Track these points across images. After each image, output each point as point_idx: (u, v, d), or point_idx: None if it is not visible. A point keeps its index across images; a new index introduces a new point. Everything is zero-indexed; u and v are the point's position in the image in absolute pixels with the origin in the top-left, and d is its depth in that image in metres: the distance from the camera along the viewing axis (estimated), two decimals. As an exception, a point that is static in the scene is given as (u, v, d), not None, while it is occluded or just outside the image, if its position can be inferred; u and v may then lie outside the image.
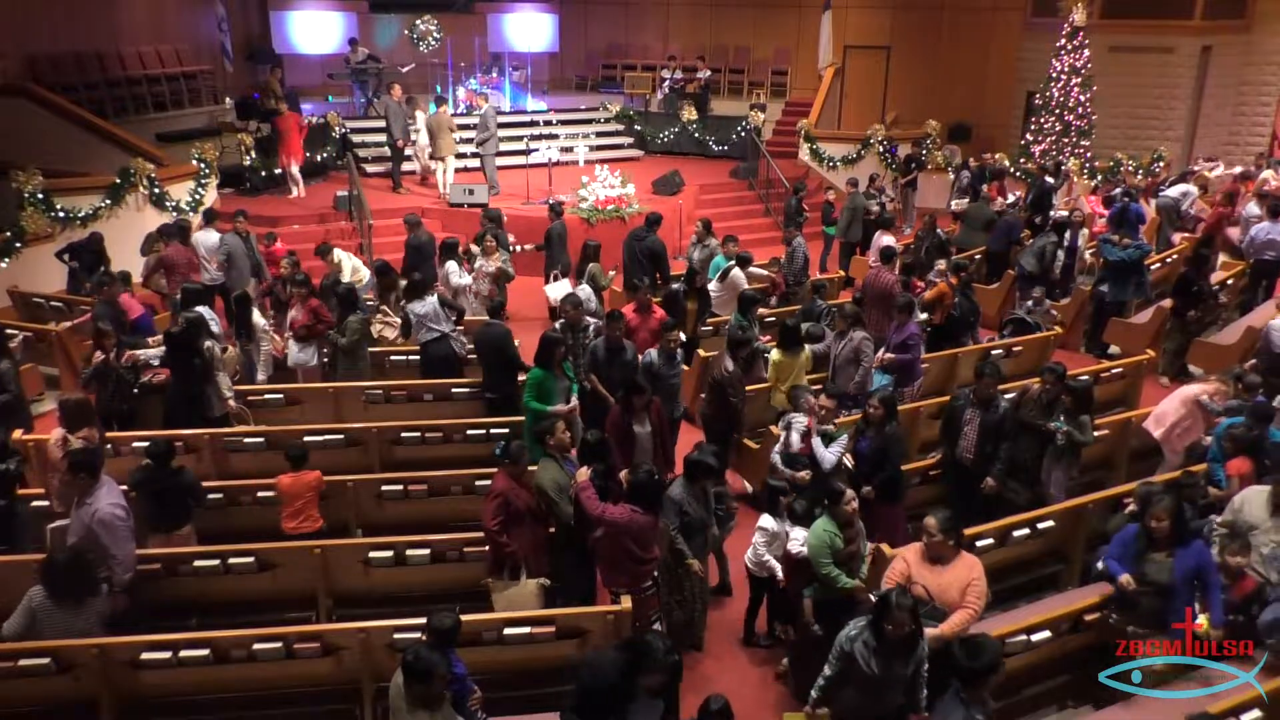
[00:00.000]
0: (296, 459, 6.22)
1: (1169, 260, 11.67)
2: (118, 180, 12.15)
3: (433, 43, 18.04)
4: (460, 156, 14.78)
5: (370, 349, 8.49)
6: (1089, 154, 15.97)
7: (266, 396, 7.88)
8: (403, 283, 9.11)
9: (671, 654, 4.14)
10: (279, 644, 5.02)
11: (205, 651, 4.96)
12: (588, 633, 5.25)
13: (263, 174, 14.32)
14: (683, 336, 8.47)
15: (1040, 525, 6.20)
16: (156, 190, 12.51)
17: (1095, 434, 6.88)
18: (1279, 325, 8.29)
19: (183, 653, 4.95)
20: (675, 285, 9.63)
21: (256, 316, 8.34)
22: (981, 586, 4.88)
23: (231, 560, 5.75)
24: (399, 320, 8.99)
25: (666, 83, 19.16)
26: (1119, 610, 5.29)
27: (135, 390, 7.62)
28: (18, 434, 6.83)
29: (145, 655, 4.94)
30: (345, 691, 5.23)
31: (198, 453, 7.02)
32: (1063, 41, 15.78)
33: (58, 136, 13.45)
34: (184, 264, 10.16)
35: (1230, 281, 10.86)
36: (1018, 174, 15.52)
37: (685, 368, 8.70)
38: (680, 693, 4.69)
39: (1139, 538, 5.21)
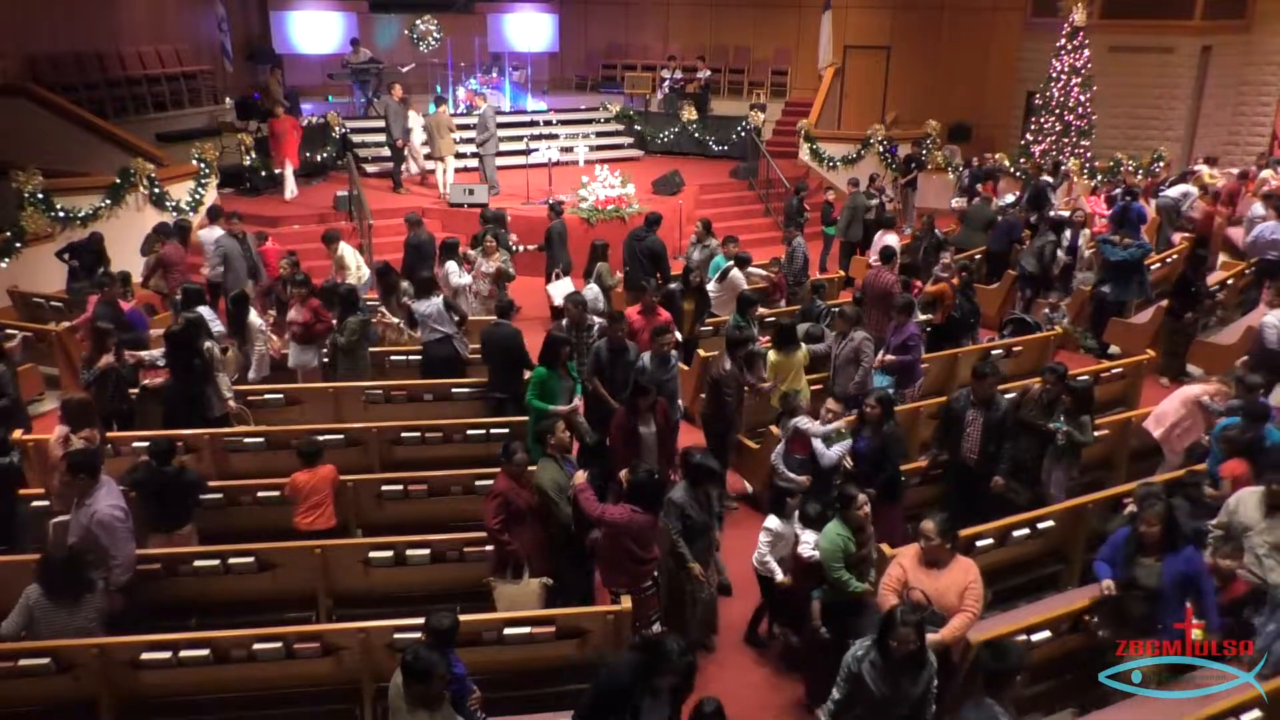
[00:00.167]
0: (310, 456, 6.22)
1: (1169, 260, 11.67)
2: (118, 180, 12.15)
3: (433, 43, 18.04)
4: (460, 156, 14.79)
5: (371, 349, 8.49)
6: (1089, 154, 15.97)
7: (266, 396, 7.87)
8: (405, 283, 9.11)
9: (686, 655, 4.14)
10: (279, 644, 5.02)
11: (205, 651, 4.96)
12: (588, 633, 5.25)
13: (263, 174, 14.32)
14: (678, 337, 8.46)
15: (1040, 525, 6.19)
16: (156, 190, 12.51)
17: (1095, 434, 6.88)
18: (1271, 321, 8.30)
19: (183, 653, 4.95)
20: (672, 285, 9.62)
21: (253, 316, 8.33)
22: (979, 589, 4.87)
23: (231, 560, 5.74)
24: (395, 320, 8.98)
25: (666, 83, 19.16)
26: (1108, 616, 5.24)
27: (133, 391, 7.62)
28: (17, 434, 6.83)
29: (145, 655, 4.94)
30: (345, 691, 5.23)
31: (198, 453, 7.01)
32: (1063, 41, 15.77)
33: (58, 136, 13.45)
34: (182, 263, 10.16)
35: (1230, 281, 10.86)
36: (1017, 174, 15.52)
37: (685, 367, 8.71)
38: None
39: (1129, 541, 5.19)
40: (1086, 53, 15.69)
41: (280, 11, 18.34)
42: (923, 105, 18.42)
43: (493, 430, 7.30)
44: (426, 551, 5.89)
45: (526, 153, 15.02)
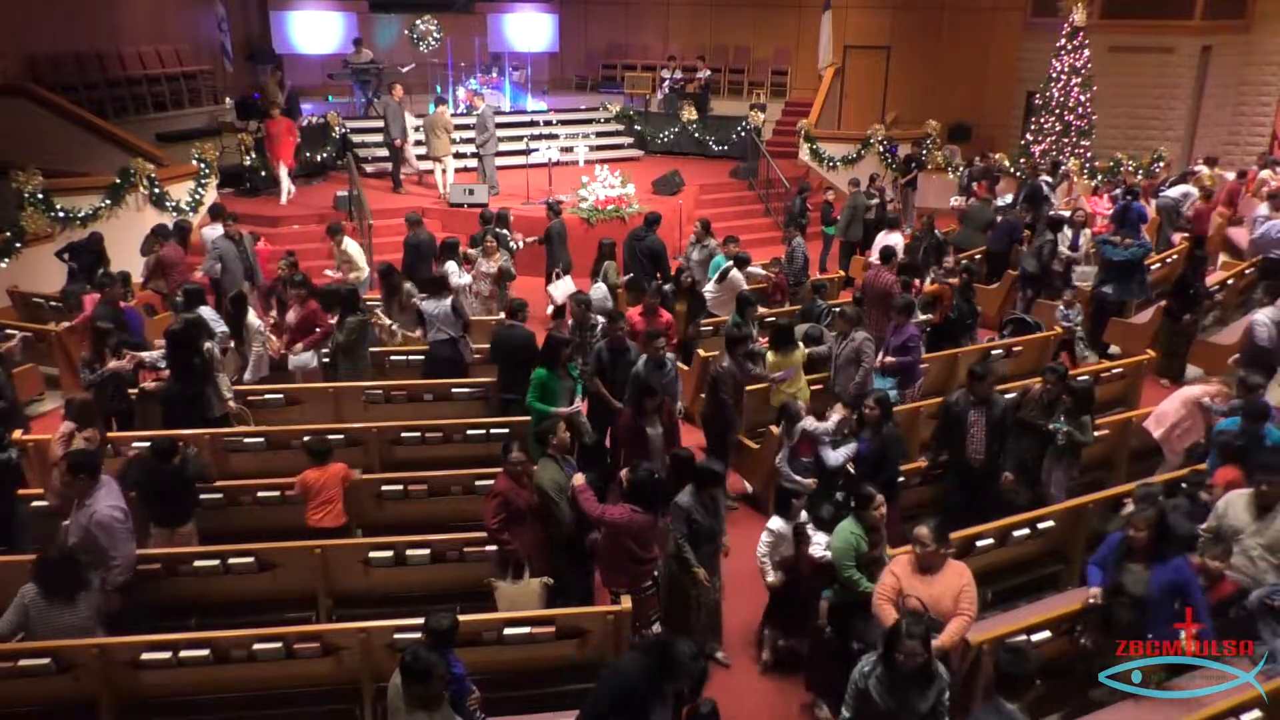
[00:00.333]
0: (319, 454, 6.22)
1: (1169, 260, 11.67)
2: (118, 180, 12.15)
3: (433, 43, 18.03)
4: (460, 156, 14.79)
5: (371, 349, 8.49)
6: (1089, 154, 15.97)
7: (266, 396, 7.88)
8: (407, 284, 9.11)
9: (698, 660, 4.11)
10: (279, 644, 5.02)
11: (205, 651, 4.96)
12: (588, 633, 5.25)
13: (262, 174, 14.32)
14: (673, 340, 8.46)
15: (1040, 525, 6.19)
16: (156, 190, 12.51)
17: (1095, 434, 6.88)
18: (1261, 320, 8.32)
19: (183, 653, 4.95)
20: (665, 286, 9.59)
21: (252, 317, 8.33)
22: (973, 592, 4.84)
23: (231, 560, 5.74)
24: (388, 322, 8.97)
25: (666, 83, 19.16)
26: (1094, 623, 5.21)
27: (132, 391, 7.62)
28: (17, 434, 6.83)
29: (145, 655, 4.94)
30: (345, 691, 5.23)
31: (198, 453, 7.01)
32: (1063, 41, 15.77)
33: (58, 136, 13.45)
34: (182, 264, 10.16)
35: (1230, 281, 10.86)
36: (1016, 174, 15.52)
37: (685, 367, 8.71)
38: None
39: (1121, 544, 5.17)
40: (1086, 53, 15.69)
41: (280, 11, 18.34)
42: (923, 105, 18.42)
43: (493, 430, 7.30)
44: (426, 551, 5.89)
45: (526, 153, 15.02)
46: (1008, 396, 7.06)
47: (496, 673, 5.17)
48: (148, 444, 6.25)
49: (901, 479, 6.61)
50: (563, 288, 10.66)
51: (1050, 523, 6.24)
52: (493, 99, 16.52)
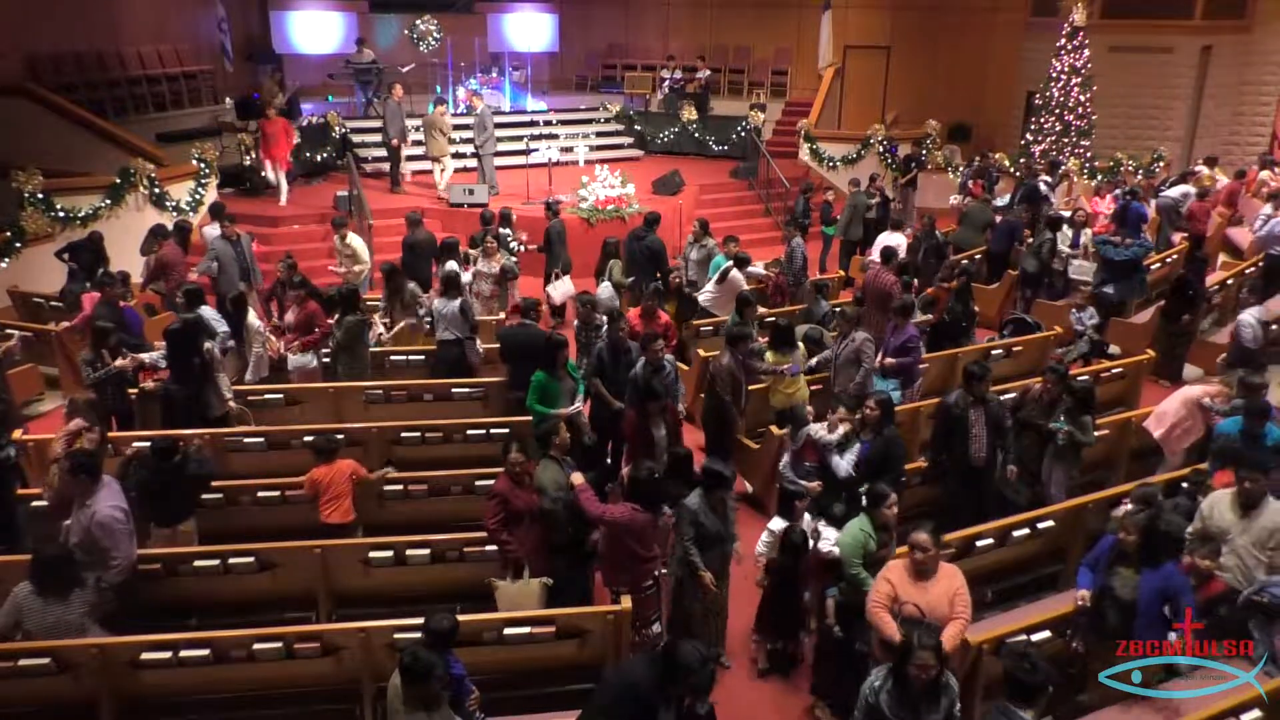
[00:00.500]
0: (326, 452, 6.21)
1: (1169, 260, 11.68)
2: (118, 180, 12.15)
3: (433, 43, 18.02)
4: (459, 156, 14.77)
5: (371, 349, 8.48)
6: (1089, 154, 15.97)
7: (266, 396, 7.88)
8: (410, 285, 9.10)
9: (708, 664, 4.06)
10: (279, 644, 5.02)
11: (205, 651, 4.96)
12: (588, 633, 5.25)
13: (262, 174, 14.32)
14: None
15: (1040, 525, 6.20)
16: (156, 190, 12.51)
17: (1096, 434, 6.88)
18: (1248, 320, 8.32)
19: (183, 653, 4.95)
20: (653, 285, 9.54)
21: (252, 318, 8.32)
22: (966, 593, 4.82)
23: (231, 560, 5.74)
24: (380, 330, 8.95)
25: (666, 83, 19.16)
26: (1084, 626, 5.19)
27: (132, 391, 7.61)
28: (17, 434, 6.83)
29: (145, 655, 4.94)
30: (345, 691, 5.23)
31: (199, 447, 7.01)
32: (1063, 41, 15.78)
33: (58, 136, 13.45)
34: (181, 264, 10.15)
35: (1230, 281, 10.86)
36: (1015, 173, 15.51)
37: (685, 367, 8.70)
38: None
39: (1111, 548, 5.17)
40: (1086, 53, 15.70)
41: (280, 11, 18.32)
42: (923, 105, 18.41)
43: (493, 430, 7.30)
44: (426, 551, 5.89)
45: (526, 153, 15.02)
46: (1008, 397, 7.06)
47: (496, 673, 5.17)
48: (148, 444, 6.25)
49: (903, 479, 6.61)
50: (561, 288, 10.67)
51: (1050, 523, 6.23)
52: (492, 99, 16.52)
